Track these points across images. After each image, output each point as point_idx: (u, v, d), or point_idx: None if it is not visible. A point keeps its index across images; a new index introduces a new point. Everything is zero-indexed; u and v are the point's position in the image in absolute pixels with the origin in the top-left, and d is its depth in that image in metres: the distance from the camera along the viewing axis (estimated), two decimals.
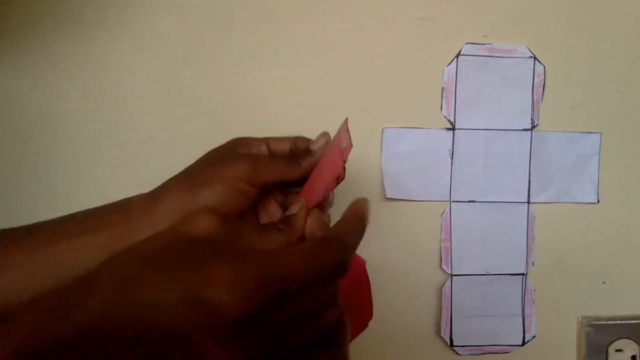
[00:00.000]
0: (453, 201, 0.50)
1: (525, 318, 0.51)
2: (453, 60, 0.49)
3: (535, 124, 0.50)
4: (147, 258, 0.22)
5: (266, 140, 0.39)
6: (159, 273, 0.21)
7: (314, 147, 0.37)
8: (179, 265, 0.22)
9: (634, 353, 0.52)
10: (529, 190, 0.50)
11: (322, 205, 0.37)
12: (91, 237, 0.34)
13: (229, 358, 0.20)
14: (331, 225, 0.31)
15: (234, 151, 0.38)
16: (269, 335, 0.22)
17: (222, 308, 0.20)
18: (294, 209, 0.32)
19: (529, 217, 0.50)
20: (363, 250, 0.31)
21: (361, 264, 0.40)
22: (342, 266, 0.25)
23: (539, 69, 0.50)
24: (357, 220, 0.29)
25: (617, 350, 0.52)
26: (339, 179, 0.35)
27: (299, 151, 0.38)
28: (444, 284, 0.50)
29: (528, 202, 0.50)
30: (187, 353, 0.20)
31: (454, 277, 0.50)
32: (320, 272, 0.24)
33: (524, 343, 0.51)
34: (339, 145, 0.35)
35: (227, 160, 0.36)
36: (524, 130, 0.50)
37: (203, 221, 0.24)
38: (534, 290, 0.51)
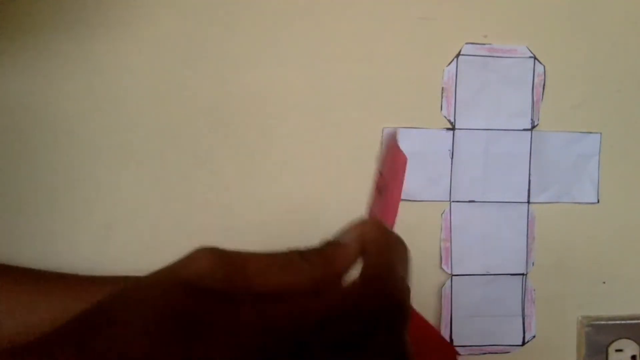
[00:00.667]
0: (453, 201, 0.50)
1: (525, 318, 0.51)
2: (453, 60, 0.49)
3: (535, 124, 0.50)
4: (146, 307, 0.19)
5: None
6: (160, 333, 0.18)
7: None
8: (171, 315, 0.18)
9: (634, 353, 0.52)
10: (529, 190, 0.50)
11: None
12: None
13: None
14: None
15: None
16: None
17: None
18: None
19: (529, 217, 0.50)
20: None
21: (451, 352, 0.31)
22: (404, 312, 0.19)
23: (539, 69, 0.50)
24: (398, 242, 0.23)
25: (617, 350, 0.52)
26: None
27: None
28: (444, 284, 0.50)
29: (528, 202, 0.50)
30: None
31: (454, 277, 0.50)
32: (369, 326, 0.18)
33: (524, 343, 0.51)
34: (401, 161, 0.30)
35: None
36: (524, 130, 0.50)
37: (202, 261, 0.21)
38: (534, 290, 0.51)
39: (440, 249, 0.50)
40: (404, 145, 0.49)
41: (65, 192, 0.46)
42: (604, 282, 0.52)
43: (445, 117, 0.49)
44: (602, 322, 0.52)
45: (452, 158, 0.49)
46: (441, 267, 0.50)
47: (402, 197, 0.49)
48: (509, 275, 0.51)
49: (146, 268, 0.22)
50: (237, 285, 0.20)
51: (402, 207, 0.51)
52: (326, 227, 0.52)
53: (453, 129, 0.49)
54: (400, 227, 0.50)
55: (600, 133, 0.51)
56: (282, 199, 0.48)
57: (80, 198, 0.46)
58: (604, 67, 0.51)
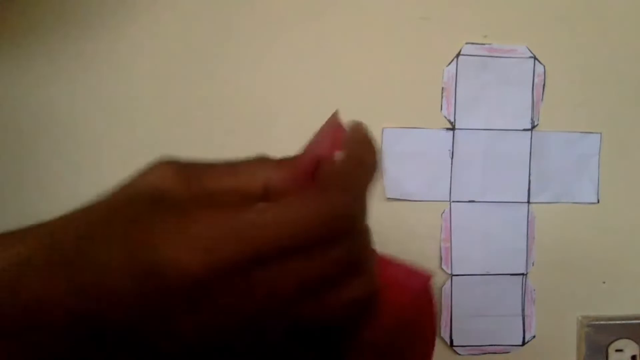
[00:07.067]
0: (453, 201, 0.50)
1: (525, 318, 0.51)
2: (453, 60, 0.49)
3: (535, 124, 0.50)
4: (99, 216, 0.22)
5: None
6: (108, 232, 0.21)
7: None
8: (126, 225, 0.20)
9: (634, 353, 0.52)
10: (529, 190, 0.50)
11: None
12: None
13: (193, 323, 0.18)
14: None
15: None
16: (240, 301, 0.18)
17: (170, 272, 0.18)
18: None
19: (529, 217, 0.51)
20: None
21: (422, 278, 0.27)
22: (345, 216, 0.19)
23: (539, 69, 0.50)
24: (360, 147, 0.23)
25: (617, 350, 0.52)
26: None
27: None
28: (444, 284, 0.50)
29: (528, 202, 0.50)
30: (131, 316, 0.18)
31: (454, 277, 0.50)
32: (311, 227, 0.19)
33: (524, 343, 0.51)
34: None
35: None
36: (524, 130, 0.50)
37: (161, 173, 0.22)
38: (534, 290, 0.51)
39: (440, 249, 0.50)
40: (404, 145, 0.49)
41: (65, 192, 0.46)
42: (604, 282, 0.52)
43: (445, 117, 0.49)
44: (602, 322, 0.52)
45: (452, 158, 0.49)
46: (441, 267, 0.50)
47: (402, 197, 0.49)
48: (509, 275, 0.51)
49: None
50: (195, 193, 0.21)
51: (402, 207, 0.51)
52: None
53: (453, 129, 0.49)
54: (401, 227, 0.50)
55: (600, 133, 0.51)
56: None
57: (81, 198, 0.46)
58: (604, 67, 0.51)
